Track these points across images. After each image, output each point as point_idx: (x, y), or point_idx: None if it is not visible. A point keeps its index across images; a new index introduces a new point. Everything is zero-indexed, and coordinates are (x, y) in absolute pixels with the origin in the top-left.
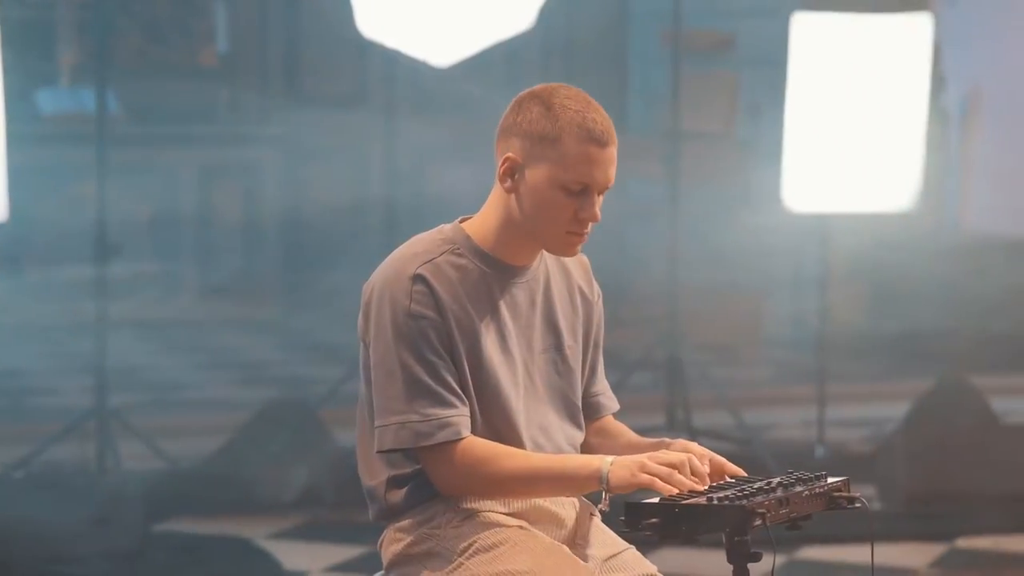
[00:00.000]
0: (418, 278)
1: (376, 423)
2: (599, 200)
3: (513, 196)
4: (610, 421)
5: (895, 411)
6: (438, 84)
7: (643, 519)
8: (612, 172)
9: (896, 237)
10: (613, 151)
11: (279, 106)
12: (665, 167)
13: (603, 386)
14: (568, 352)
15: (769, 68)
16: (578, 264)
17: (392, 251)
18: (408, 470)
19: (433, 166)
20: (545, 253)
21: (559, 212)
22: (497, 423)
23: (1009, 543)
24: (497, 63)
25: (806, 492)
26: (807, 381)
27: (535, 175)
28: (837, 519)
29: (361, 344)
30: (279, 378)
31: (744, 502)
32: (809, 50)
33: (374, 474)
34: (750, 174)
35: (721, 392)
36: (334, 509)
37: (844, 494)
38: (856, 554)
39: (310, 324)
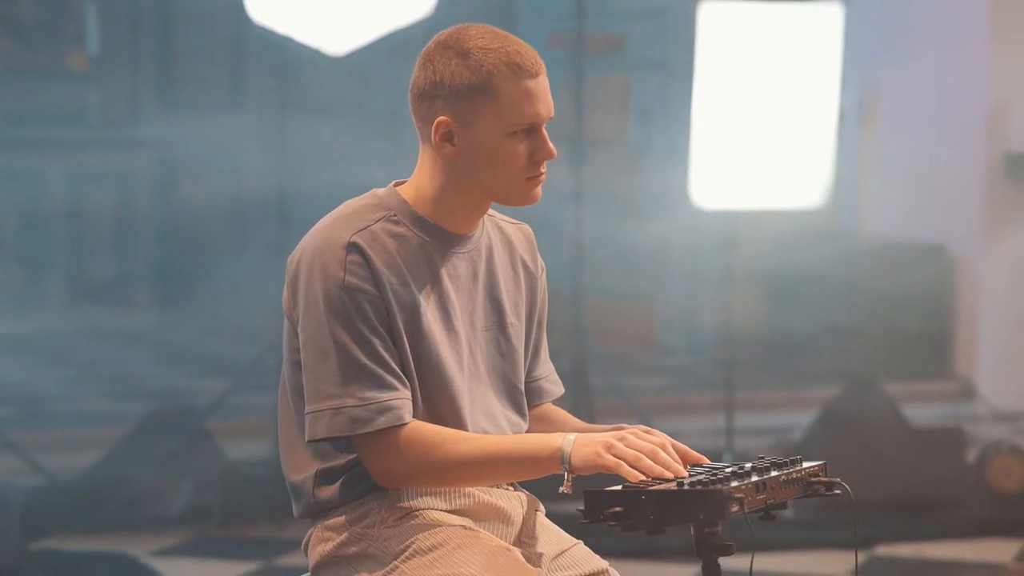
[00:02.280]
0: (352, 246)
1: (307, 409)
2: (546, 135)
3: (456, 159)
4: (552, 408)
5: (802, 418)
6: (321, 81)
7: (604, 508)
8: (551, 100)
9: (798, 237)
10: (545, 77)
11: (152, 109)
12: (569, 174)
13: (547, 369)
14: (511, 331)
15: (660, 70)
16: (521, 235)
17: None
18: (340, 461)
19: (318, 168)
20: (486, 222)
21: (514, 161)
22: (440, 407)
23: (931, 549)
24: (382, 57)
25: (783, 477)
26: (711, 388)
27: (478, 131)
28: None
29: (286, 321)
30: (156, 390)
31: (719, 486)
32: (716, 40)
33: (300, 467)
34: (646, 178)
35: (628, 400)
36: (223, 524)
37: (822, 479)
38: (784, 562)
39: (187, 334)
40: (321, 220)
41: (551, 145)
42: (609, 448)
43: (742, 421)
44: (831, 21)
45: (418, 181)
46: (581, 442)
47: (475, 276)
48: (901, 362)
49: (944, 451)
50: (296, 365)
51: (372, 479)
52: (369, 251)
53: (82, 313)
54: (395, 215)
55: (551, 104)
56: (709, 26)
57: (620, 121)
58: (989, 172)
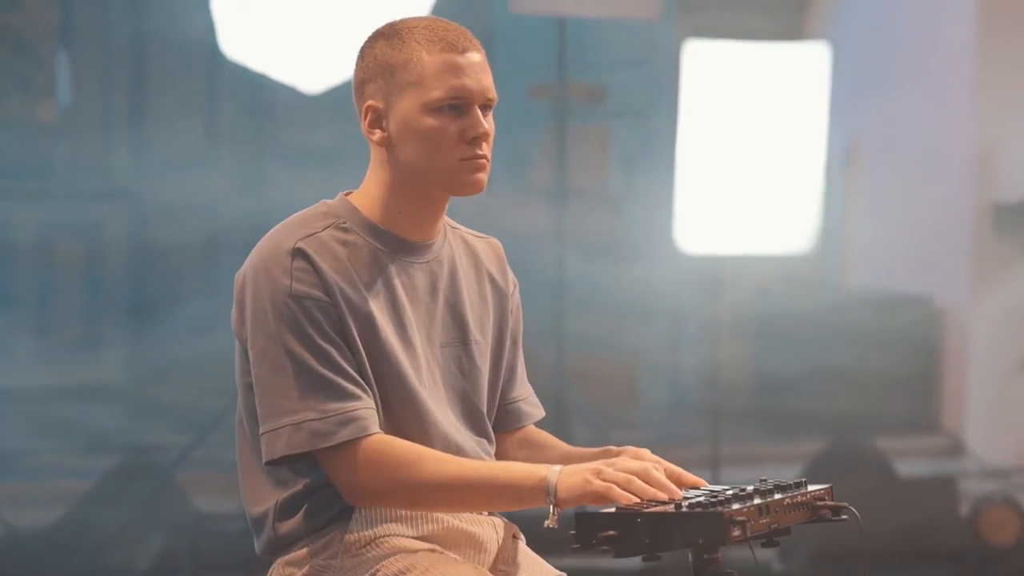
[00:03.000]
0: (298, 252)
1: (262, 429)
2: (486, 116)
3: (387, 148)
4: (535, 431)
5: (790, 471)
6: (297, 121)
7: (597, 532)
8: (487, 81)
9: (784, 284)
10: (478, 57)
11: (123, 161)
12: (551, 222)
13: (525, 390)
14: (475, 348)
15: (640, 119)
16: (489, 249)
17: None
18: (300, 488)
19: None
20: (449, 234)
21: (440, 138)
22: (404, 421)
23: None
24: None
25: (787, 500)
26: (696, 442)
27: (401, 110)
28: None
29: (236, 343)
30: (125, 443)
31: (720, 508)
32: (701, 81)
33: (260, 499)
34: (629, 224)
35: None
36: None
37: (828, 503)
38: None
39: (157, 386)
40: (267, 233)
41: (483, 121)
42: (598, 474)
43: (728, 475)
44: (817, 62)
45: (367, 185)
46: (568, 472)
47: (434, 289)
48: (888, 416)
49: (936, 503)
50: (249, 388)
51: (335, 506)
52: (316, 257)
53: (49, 365)
54: (344, 222)
55: (486, 84)
56: (694, 66)
57: (601, 170)
58: (976, 222)
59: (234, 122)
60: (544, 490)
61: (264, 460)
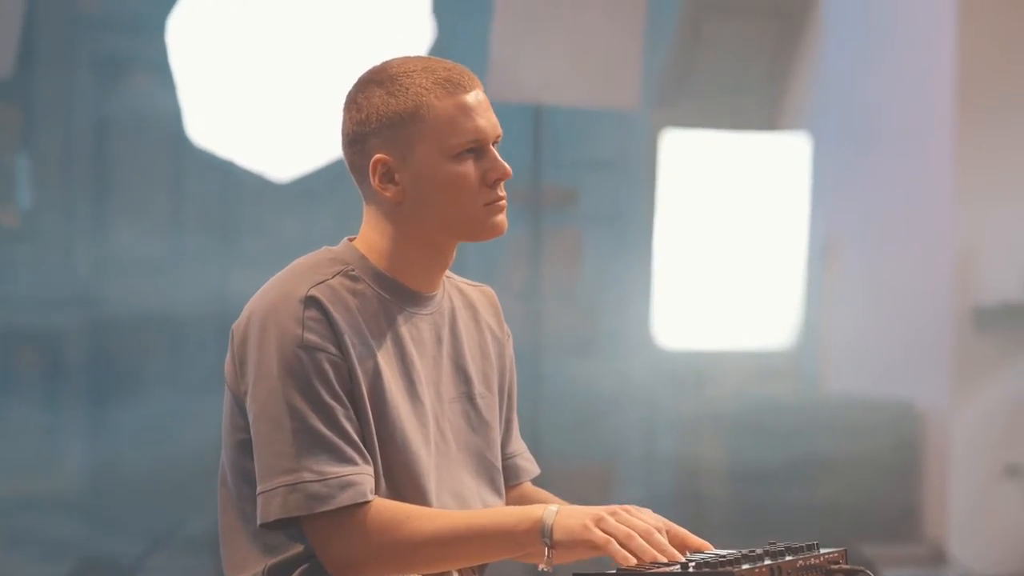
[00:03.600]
0: (311, 301)
1: (259, 489)
2: (493, 152)
3: (402, 201)
4: (534, 488)
5: None
6: (264, 210)
7: None
8: (494, 117)
9: (761, 383)
10: (482, 95)
11: (86, 268)
12: (528, 327)
13: (520, 445)
14: (481, 402)
15: (614, 220)
16: (484, 298)
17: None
18: (293, 552)
19: None
20: (446, 283)
21: (465, 186)
22: (403, 487)
23: None
24: (322, 192)
25: (800, 562)
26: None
27: (418, 161)
28: None
29: (228, 396)
30: (84, 553)
31: (730, 568)
32: (679, 171)
33: (245, 566)
34: (606, 322)
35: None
36: None
37: (843, 566)
38: None
39: (117, 494)
40: (270, 280)
41: (503, 162)
42: (599, 522)
43: None
44: (797, 153)
45: (370, 236)
46: (566, 513)
47: (439, 341)
48: (868, 524)
49: None
50: (240, 446)
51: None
52: (329, 307)
53: (6, 473)
54: (353, 269)
55: (495, 121)
56: (671, 156)
57: (575, 271)
58: (957, 325)
59: (200, 216)
60: (539, 531)
61: (259, 522)
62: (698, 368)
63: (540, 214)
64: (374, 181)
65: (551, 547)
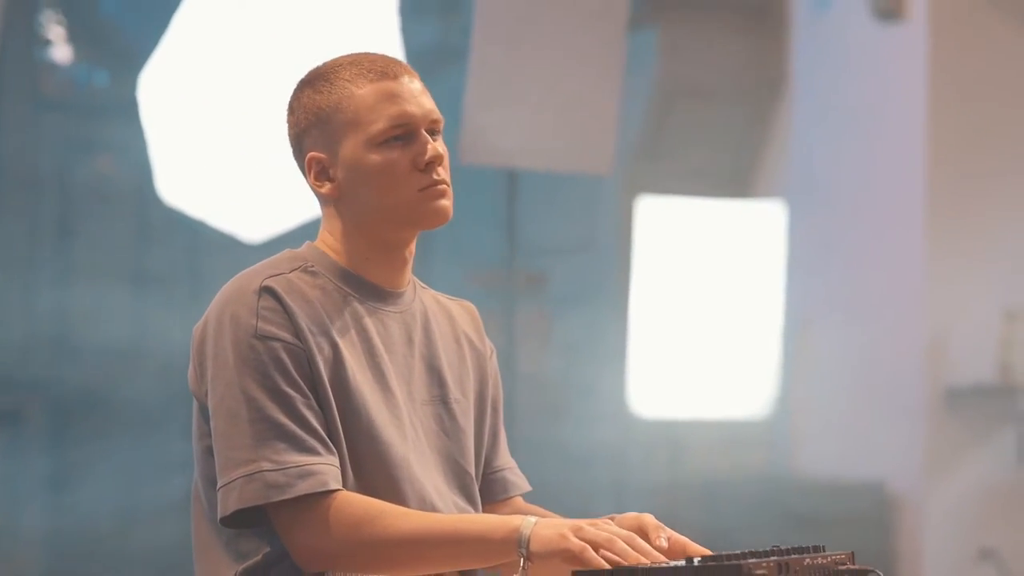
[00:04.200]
0: (266, 291)
1: (219, 485)
2: (437, 144)
3: (340, 196)
4: (525, 504)
5: None
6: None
7: None
8: (428, 103)
9: (731, 461)
10: (413, 82)
11: (45, 356)
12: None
13: (509, 460)
14: (456, 407)
15: (581, 305)
16: (464, 311)
17: None
18: (260, 557)
19: None
20: (419, 290)
21: (393, 171)
22: (374, 478)
23: None
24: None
25: (807, 560)
26: None
27: (346, 153)
28: None
29: (194, 404)
30: None
31: (737, 562)
32: (654, 238)
33: (218, 573)
34: (582, 394)
35: None
36: None
37: (851, 567)
38: None
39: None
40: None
41: (434, 145)
42: (577, 531)
43: None
44: (773, 220)
45: (325, 238)
46: (544, 524)
47: (410, 341)
48: None
49: None
50: (207, 453)
51: (303, 571)
52: (285, 296)
53: None
54: (312, 265)
55: (428, 107)
56: (645, 222)
57: (545, 353)
58: (928, 406)
59: (167, 272)
60: (516, 541)
61: (219, 518)
62: (671, 436)
63: (514, 301)
64: (310, 179)
65: (527, 558)
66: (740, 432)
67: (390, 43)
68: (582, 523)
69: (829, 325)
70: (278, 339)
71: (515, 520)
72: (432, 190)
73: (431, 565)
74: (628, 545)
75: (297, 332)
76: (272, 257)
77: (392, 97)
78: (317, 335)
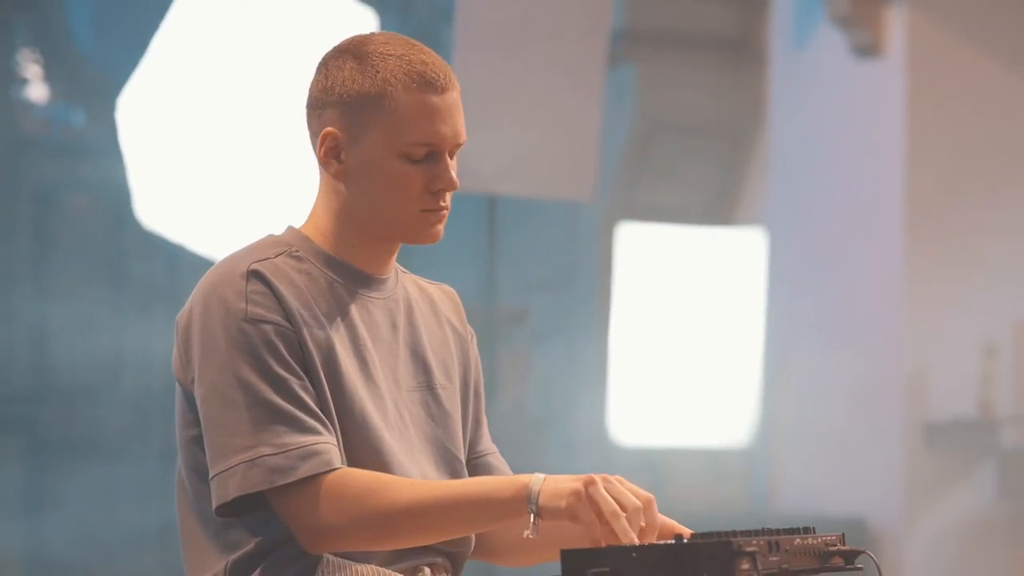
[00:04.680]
0: (253, 274)
1: (212, 473)
2: (452, 163)
3: (343, 181)
4: None
5: None
6: None
7: (587, 569)
8: (461, 124)
9: (711, 491)
10: (455, 96)
11: (22, 378)
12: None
13: (492, 446)
14: (441, 392)
15: (562, 337)
16: (444, 296)
17: None
18: (251, 547)
19: None
20: (400, 275)
21: (406, 187)
22: (364, 462)
23: None
24: None
25: (798, 540)
26: None
27: (366, 148)
28: None
29: (178, 390)
30: None
31: (728, 539)
32: (634, 266)
33: (206, 566)
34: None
35: None
36: None
37: (842, 548)
38: None
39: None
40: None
41: (453, 175)
42: (589, 484)
43: None
44: (754, 245)
45: (316, 215)
46: (555, 479)
47: (394, 328)
48: None
49: None
50: (194, 442)
51: (293, 565)
52: (273, 279)
53: None
54: (296, 250)
55: (460, 129)
56: (626, 250)
57: (526, 388)
58: (908, 442)
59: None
60: (526, 498)
61: (215, 505)
62: (652, 464)
63: (495, 337)
64: (320, 152)
65: (537, 514)
66: (720, 461)
67: None
68: (594, 477)
69: (809, 358)
70: (269, 322)
71: (523, 478)
72: (434, 215)
73: (440, 531)
74: (632, 520)
75: (287, 315)
76: (254, 242)
77: (432, 113)
78: (307, 318)
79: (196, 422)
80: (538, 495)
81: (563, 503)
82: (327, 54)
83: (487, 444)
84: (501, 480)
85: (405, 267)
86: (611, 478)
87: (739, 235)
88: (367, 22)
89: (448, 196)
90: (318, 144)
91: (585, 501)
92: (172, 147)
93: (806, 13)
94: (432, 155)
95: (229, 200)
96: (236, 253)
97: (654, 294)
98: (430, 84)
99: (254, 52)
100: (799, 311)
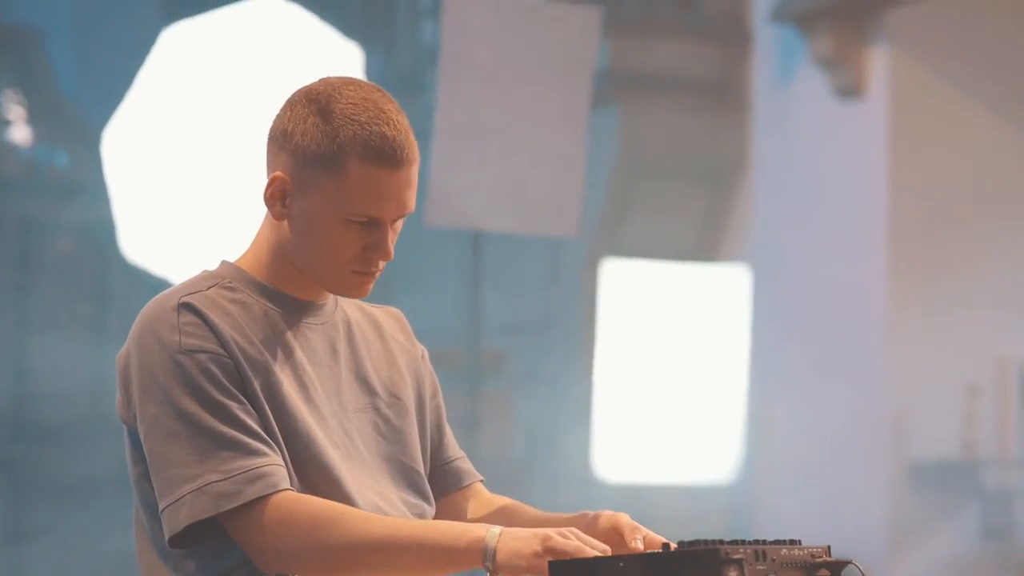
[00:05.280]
0: (184, 306)
1: (162, 506)
2: (395, 229)
3: (285, 224)
4: (491, 494)
5: None
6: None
7: None
8: (410, 197)
9: (695, 528)
10: (409, 172)
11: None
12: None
13: (457, 451)
14: (389, 411)
15: (544, 378)
16: (389, 317)
17: None
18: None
19: None
20: (340, 300)
21: (341, 249)
22: (315, 481)
23: None
24: None
25: (784, 551)
26: None
27: (310, 203)
28: None
29: (125, 430)
30: None
31: (716, 546)
32: (618, 303)
33: None
34: (529, 479)
35: None
36: None
37: (828, 560)
38: None
39: None
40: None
41: (391, 245)
42: (546, 541)
43: None
44: (738, 282)
45: (255, 246)
46: (512, 535)
47: (334, 352)
48: None
49: None
50: (144, 478)
51: None
52: (206, 310)
53: None
54: (229, 282)
55: (408, 201)
56: (610, 286)
57: (509, 430)
58: (891, 481)
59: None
60: (481, 551)
61: (167, 538)
62: (635, 500)
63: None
64: (267, 192)
65: (493, 571)
66: (704, 498)
67: None
68: (550, 532)
69: (792, 396)
70: (204, 351)
71: (479, 530)
72: (364, 276)
73: (394, 570)
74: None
75: (222, 343)
76: (187, 279)
77: (382, 190)
78: (242, 344)
79: (143, 459)
80: (494, 552)
81: (523, 563)
82: (299, 92)
83: (453, 451)
84: (458, 529)
85: (390, 305)
86: (566, 531)
87: (723, 271)
88: (352, 57)
89: (381, 263)
90: (267, 184)
91: (546, 556)
92: (156, 180)
93: (788, 54)
94: (374, 223)
95: (213, 232)
96: (168, 290)
97: (638, 330)
98: (386, 160)
99: (239, 86)
100: (783, 349)
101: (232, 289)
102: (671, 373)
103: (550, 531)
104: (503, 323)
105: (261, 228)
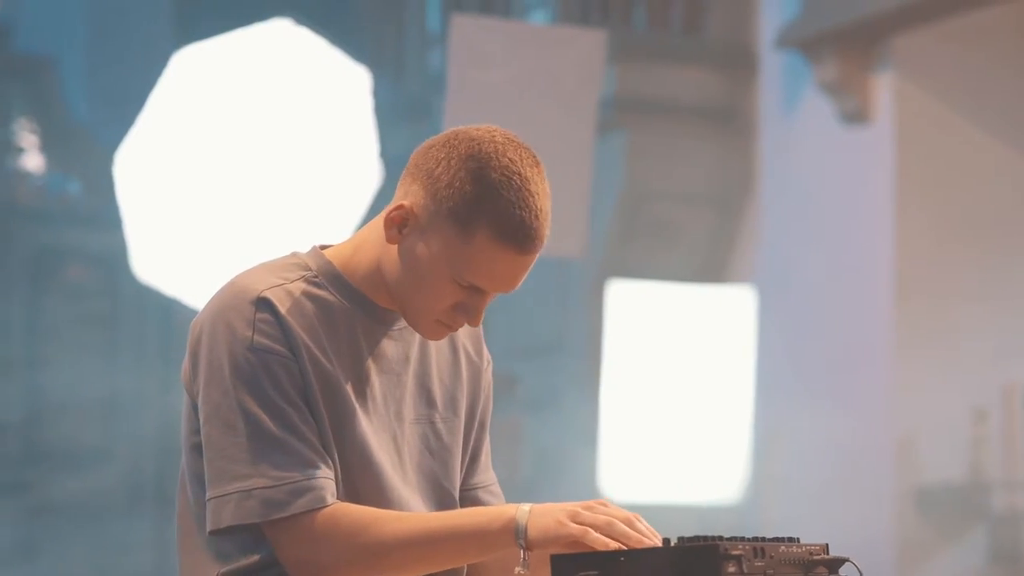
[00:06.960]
0: (262, 302)
1: (209, 495)
2: (489, 298)
3: (394, 248)
4: None
5: None
6: None
7: (576, 573)
8: (521, 280)
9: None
10: (533, 258)
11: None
12: None
13: (487, 477)
14: (442, 426)
15: (552, 401)
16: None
17: None
18: (244, 563)
19: None
20: None
21: (437, 300)
22: (365, 493)
23: None
24: None
25: (783, 548)
26: None
27: (427, 248)
28: None
29: (186, 397)
30: None
31: (715, 542)
32: (624, 323)
33: (198, 572)
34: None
35: None
36: None
37: (825, 557)
38: None
39: None
40: (233, 276)
41: (481, 315)
42: (574, 516)
43: None
44: (742, 303)
45: (355, 247)
46: (540, 512)
47: (405, 360)
48: None
49: None
50: (196, 450)
51: None
52: (281, 309)
53: None
54: (316, 276)
55: (517, 283)
56: (616, 307)
57: (511, 464)
58: (898, 505)
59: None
60: (513, 531)
61: (208, 529)
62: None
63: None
64: (390, 213)
65: (526, 548)
66: (710, 519)
67: (367, 147)
68: (577, 507)
69: (799, 418)
70: (272, 352)
71: (509, 510)
72: (445, 328)
73: (432, 564)
74: (628, 527)
75: (292, 346)
76: (275, 260)
77: (501, 270)
78: (313, 349)
79: (199, 431)
80: (525, 529)
81: (554, 533)
82: (463, 138)
83: (481, 477)
84: (490, 512)
85: None
86: (593, 503)
87: (729, 293)
88: (361, 81)
89: (467, 324)
90: (393, 206)
91: (574, 525)
92: (168, 201)
93: (794, 80)
94: (478, 291)
95: (224, 253)
96: (253, 270)
97: (645, 351)
98: (516, 244)
99: (249, 109)
100: (789, 371)
101: (317, 285)
102: (678, 394)
103: (577, 505)
104: (511, 346)
105: (369, 231)
